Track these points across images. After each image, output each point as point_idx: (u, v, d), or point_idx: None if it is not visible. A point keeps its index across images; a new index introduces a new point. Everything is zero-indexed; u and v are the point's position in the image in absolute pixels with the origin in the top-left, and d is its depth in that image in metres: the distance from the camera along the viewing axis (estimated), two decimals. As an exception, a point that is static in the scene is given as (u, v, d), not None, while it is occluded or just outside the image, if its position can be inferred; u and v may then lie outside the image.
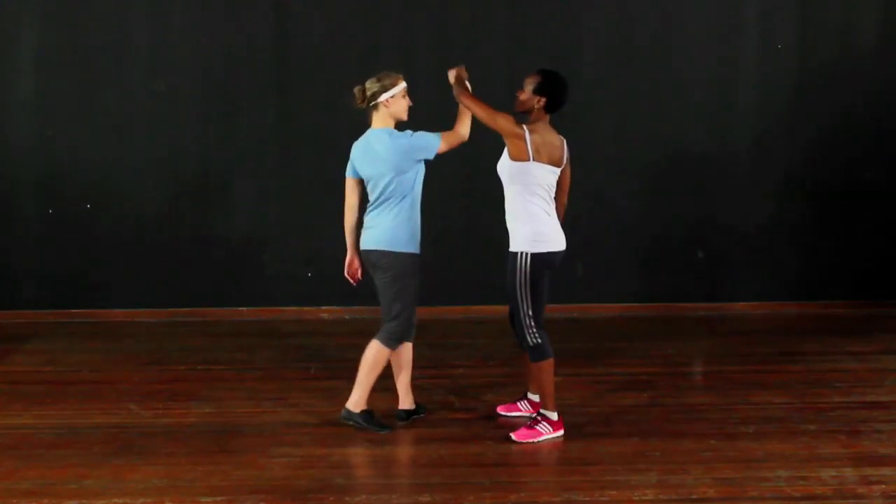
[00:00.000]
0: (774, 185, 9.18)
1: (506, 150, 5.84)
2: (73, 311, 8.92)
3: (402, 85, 6.02)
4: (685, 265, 9.20)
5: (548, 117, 5.93)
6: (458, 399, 6.66)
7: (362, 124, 6.24)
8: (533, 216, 5.81)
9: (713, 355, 7.80)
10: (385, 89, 5.96)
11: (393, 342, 6.04)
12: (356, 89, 6.00)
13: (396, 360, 6.16)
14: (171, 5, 8.87)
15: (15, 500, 5.04)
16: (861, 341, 8.11)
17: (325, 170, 8.91)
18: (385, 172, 5.93)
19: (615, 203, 9.09)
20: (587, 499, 5.06)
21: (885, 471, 5.42)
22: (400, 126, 6.06)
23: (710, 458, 5.60)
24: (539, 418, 5.94)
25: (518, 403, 6.36)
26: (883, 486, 5.21)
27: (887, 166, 9.20)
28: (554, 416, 5.94)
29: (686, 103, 9.10)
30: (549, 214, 5.85)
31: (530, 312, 5.83)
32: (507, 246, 5.91)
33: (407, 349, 6.18)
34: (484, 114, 5.77)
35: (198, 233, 9.00)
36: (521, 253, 5.80)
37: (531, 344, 5.88)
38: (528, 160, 5.76)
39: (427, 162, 6.06)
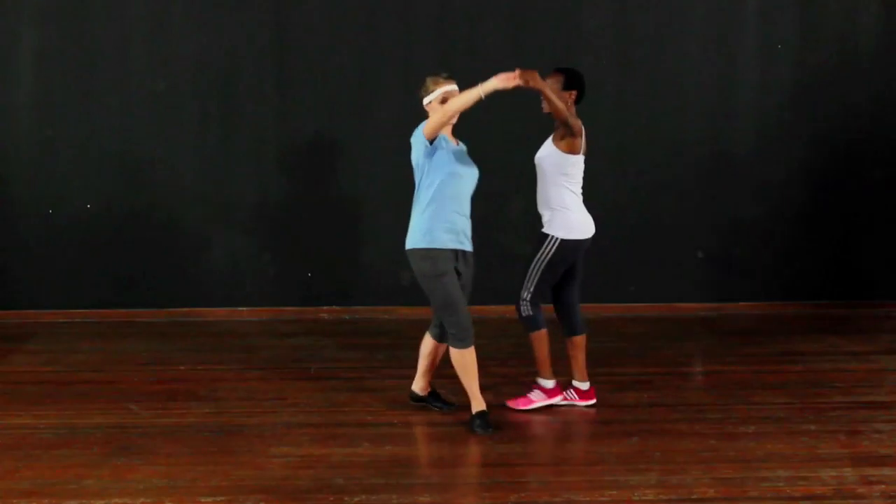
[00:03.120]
0: (774, 185, 9.18)
1: (552, 142, 6.23)
2: (73, 311, 8.92)
3: (440, 90, 6.08)
4: (685, 265, 9.20)
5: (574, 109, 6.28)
6: (458, 399, 6.66)
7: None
8: (570, 205, 6.25)
9: (713, 355, 7.80)
10: (426, 94, 6.12)
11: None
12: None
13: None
14: (171, 5, 8.87)
15: (15, 500, 5.04)
16: (861, 341, 8.11)
17: (325, 170, 8.92)
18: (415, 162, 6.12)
19: (615, 203, 9.08)
20: (587, 499, 5.06)
21: (885, 471, 5.42)
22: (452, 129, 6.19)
23: (710, 458, 5.60)
24: (533, 386, 6.37)
25: (564, 393, 6.50)
26: (883, 486, 5.21)
27: (887, 166, 9.20)
28: (549, 384, 6.36)
29: (686, 103, 9.10)
30: (581, 203, 6.31)
31: (531, 289, 6.26)
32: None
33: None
34: (564, 107, 6.04)
35: (197, 232, 9.00)
36: (552, 237, 6.20)
37: (523, 315, 6.30)
38: (580, 153, 6.21)
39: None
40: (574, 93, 6.23)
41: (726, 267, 9.23)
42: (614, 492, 5.13)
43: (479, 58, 8.91)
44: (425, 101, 6.11)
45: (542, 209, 6.31)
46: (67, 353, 7.86)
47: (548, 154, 6.22)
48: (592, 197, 8.99)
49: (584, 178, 8.88)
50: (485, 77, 8.81)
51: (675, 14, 9.06)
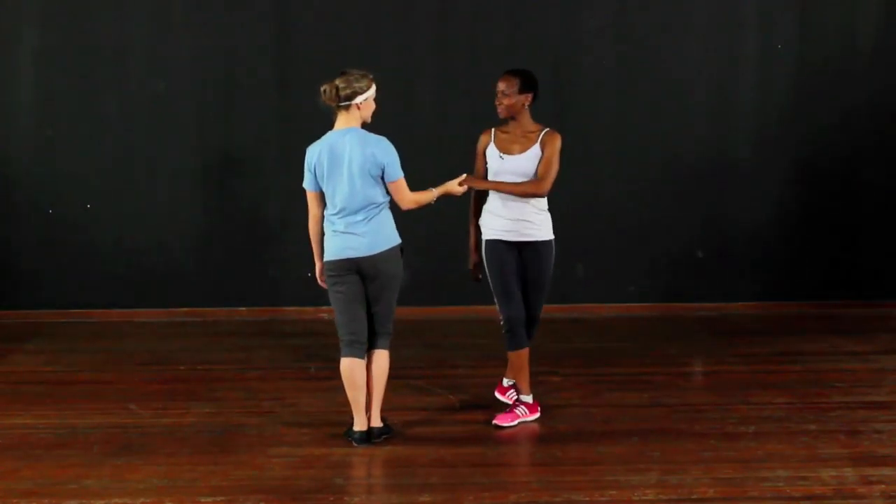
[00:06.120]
0: (774, 185, 9.18)
1: (535, 154, 6.03)
2: (73, 311, 8.92)
3: (374, 88, 5.93)
4: (685, 265, 9.20)
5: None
6: (459, 399, 6.66)
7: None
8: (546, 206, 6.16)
9: (713, 355, 7.80)
10: (360, 91, 5.86)
11: None
12: (328, 86, 5.83)
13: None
14: (171, 5, 8.87)
15: (15, 500, 5.04)
16: (861, 341, 8.11)
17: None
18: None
19: (615, 203, 9.08)
20: (587, 499, 5.06)
21: (885, 471, 5.43)
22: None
23: (710, 458, 5.60)
24: (517, 403, 6.22)
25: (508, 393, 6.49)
26: (883, 486, 5.21)
27: (887, 166, 9.20)
28: (530, 399, 6.24)
29: (686, 103, 9.10)
30: None
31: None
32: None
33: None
34: (517, 188, 6.01)
35: (197, 232, 9.00)
36: (553, 240, 6.14)
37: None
38: None
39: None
40: (530, 95, 6.08)
41: (726, 267, 9.23)
42: (614, 492, 5.13)
43: (479, 58, 8.91)
44: (360, 98, 5.84)
45: (525, 215, 6.07)
46: (67, 353, 7.86)
47: (533, 162, 6.03)
48: (592, 196, 9.07)
49: (584, 178, 8.98)
50: (484, 76, 8.83)
51: (675, 14, 9.06)
